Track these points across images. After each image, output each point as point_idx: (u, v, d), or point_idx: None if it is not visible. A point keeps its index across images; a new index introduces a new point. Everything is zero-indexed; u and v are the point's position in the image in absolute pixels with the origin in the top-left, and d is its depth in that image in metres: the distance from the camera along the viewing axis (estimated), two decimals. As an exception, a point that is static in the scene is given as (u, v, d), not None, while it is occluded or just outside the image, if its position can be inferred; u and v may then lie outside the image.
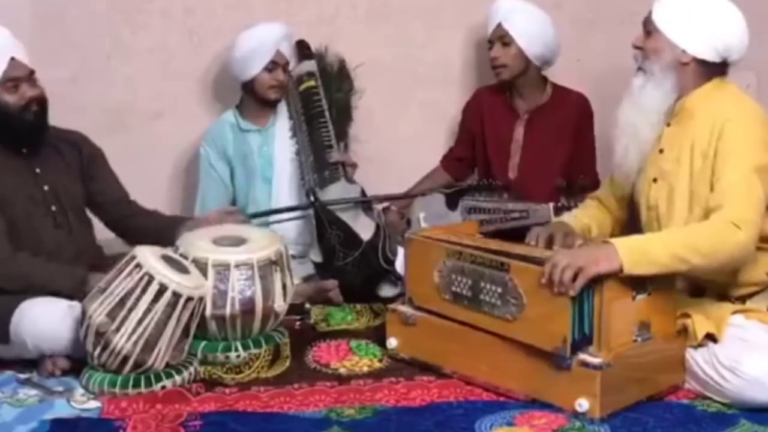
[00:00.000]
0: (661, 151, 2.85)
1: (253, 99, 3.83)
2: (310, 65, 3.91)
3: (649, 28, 2.83)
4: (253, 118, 3.86)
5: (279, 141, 3.85)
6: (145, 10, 4.07)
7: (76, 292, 2.94)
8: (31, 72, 3.09)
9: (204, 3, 4.10)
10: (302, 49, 3.95)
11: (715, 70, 2.83)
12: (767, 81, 4.02)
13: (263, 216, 3.72)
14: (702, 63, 2.80)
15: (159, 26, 4.09)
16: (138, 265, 2.82)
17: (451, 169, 4.04)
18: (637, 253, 2.59)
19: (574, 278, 2.54)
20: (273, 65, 3.75)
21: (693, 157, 2.78)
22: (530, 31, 3.78)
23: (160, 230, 3.26)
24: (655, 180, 2.87)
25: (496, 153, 3.87)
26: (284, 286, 3.06)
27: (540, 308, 2.62)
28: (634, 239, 2.74)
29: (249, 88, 3.81)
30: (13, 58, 3.03)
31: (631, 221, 3.08)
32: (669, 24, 2.79)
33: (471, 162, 4.02)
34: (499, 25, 3.76)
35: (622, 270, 2.56)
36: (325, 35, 4.09)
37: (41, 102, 3.11)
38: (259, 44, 3.74)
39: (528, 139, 3.84)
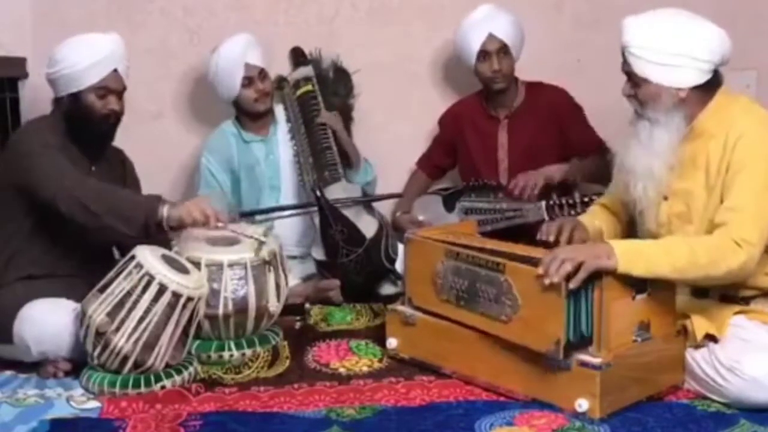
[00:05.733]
0: (671, 168, 2.79)
1: (245, 114, 3.84)
2: (307, 70, 3.91)
3: (634, 79, 2.75)
4: (253, 130, 3.86)
5: (283, 148, 3.86)
6: (145, 9, 4.08)
7: (149, 218, 2.92)
8: (124, 89, 3.20)
9: (204, 3, 4.11)
10: (297, 56, 3.95)
11: (714, 82, 2.76)
12: (767, 81, 4.02)
13: (267, 213, 3.73)
14: (700, 86, 2.73)
15: (159, 26, 4.09)
16: (138, 265, 2.82)
17: (431, 173, 4.09)
18: (634, 257, 2.59)
19: (575, 273, 2.55)
20: (247, 81, 3.74)
21: (708, 174, 2.73)
22: (518, 37, 3.79)
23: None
24: (666, 198, 2.82)
25: (484, 161, 3.88)
26: (278, 286, 3.08)
27: (534, 309, 2.62)
28: (633, 243, 2.74)
29: (238, 106, 3.83)
30: (115, 70, 3.15)
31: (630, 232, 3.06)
32: (653, 71, 2.71)
33: (449, 169, 4.09)
34: (492, 36, 3.73)
35: (616, 270, 2.57)
36: (324, 35, 4.09)
37: (118, 118, 3.20)
38: (226, 65, 3.73)
39: (512, 142, 3.85)
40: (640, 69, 2.72)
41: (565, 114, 3.86)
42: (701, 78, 2.72)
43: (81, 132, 3.15)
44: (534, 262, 2.65)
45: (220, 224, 2.99)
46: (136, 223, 2.92)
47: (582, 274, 2.55)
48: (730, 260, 2.61)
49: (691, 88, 2.72)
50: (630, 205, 2.92)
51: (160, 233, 2.96)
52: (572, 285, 2.55)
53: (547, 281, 2.56)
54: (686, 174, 2.78)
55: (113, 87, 3.14)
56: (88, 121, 3.13)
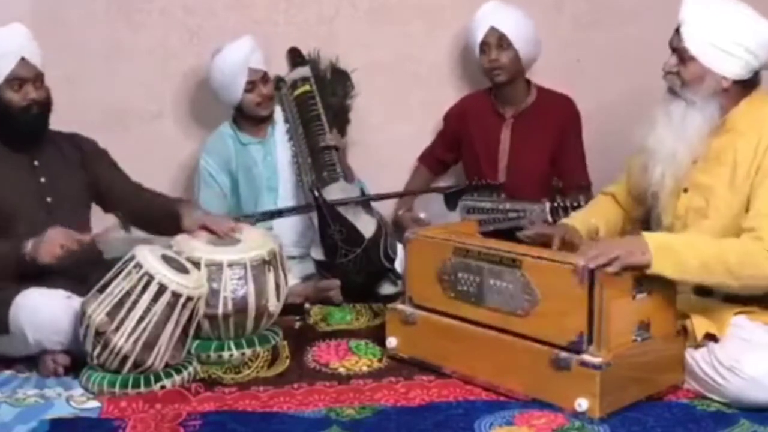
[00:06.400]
0: (694, 161, 2.78)
1: (246, 118, 3.84)
2: (304, 71, 3.90)
3: (683, 55, 2.73)
4: (251, 132, 3.86)
5: (281, 149, 3.86)
6: (145, 9, 4.08)
7: (18, 257, 2.93)
8: (39, 74, 3.15)
9: (204, 3, 4.10)
10: (294, 56, 3.94)
11: (753, 82, 2.77)
12: (767, 81, 4.02)
13: (268, 217, 3.73)
14: (741, 82, 2.73)
15: (159, 26, 4.09)
16: (138, 265, 2.82)
17: (433, 168, 4.12)
18: (667, 252, 2.58)
19: (605, 266, 2.55)
20: (251, 85, 3.73)
21: (735, 173, 2.72)
22: (522, 33, 3.81)
23: (164, 218, 3.26)
24: (685, 190, 2.81)
25: (484, 157, 3.90)
26: (277, 286, 3.08)
27: (554, 303, 2.63)
28: (664, 237, 2.72)
29: (239, 109, 3.82)
30: (23, 58, 3.10)
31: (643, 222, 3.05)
32: (706, 51, 2.69)
33: (451, 164, 4.11)
34: (493, 29, 3.77)
35: (649, 266, 2.57)
36: (324, 35, 4.09)
37: (43, 105, 3.16)
38: (230, 70, 3.72)
39: (514, 142, 3.86)
40: (694, 47, 2.70)
41: (570, 128, 3.88)
42: (747, 73, 2.72)
43: (7, 130, 3.15)
44: (548, 257, 2.65)
45: (83, 238, 2.97)
46: (7, 272, 2.95)
47: (613, 269, 2.55)
48: (761, 269, 2.59)
49: (734, 80, 2.72)
50: (642, 189, 2.90)
51: (36, 271, 2.95)
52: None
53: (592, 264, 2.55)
54: (710, 169, 2.77)
55: (25, 75, 3.10)
56: (10, 117, 3.12)
